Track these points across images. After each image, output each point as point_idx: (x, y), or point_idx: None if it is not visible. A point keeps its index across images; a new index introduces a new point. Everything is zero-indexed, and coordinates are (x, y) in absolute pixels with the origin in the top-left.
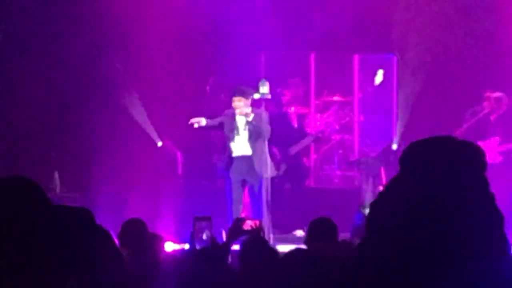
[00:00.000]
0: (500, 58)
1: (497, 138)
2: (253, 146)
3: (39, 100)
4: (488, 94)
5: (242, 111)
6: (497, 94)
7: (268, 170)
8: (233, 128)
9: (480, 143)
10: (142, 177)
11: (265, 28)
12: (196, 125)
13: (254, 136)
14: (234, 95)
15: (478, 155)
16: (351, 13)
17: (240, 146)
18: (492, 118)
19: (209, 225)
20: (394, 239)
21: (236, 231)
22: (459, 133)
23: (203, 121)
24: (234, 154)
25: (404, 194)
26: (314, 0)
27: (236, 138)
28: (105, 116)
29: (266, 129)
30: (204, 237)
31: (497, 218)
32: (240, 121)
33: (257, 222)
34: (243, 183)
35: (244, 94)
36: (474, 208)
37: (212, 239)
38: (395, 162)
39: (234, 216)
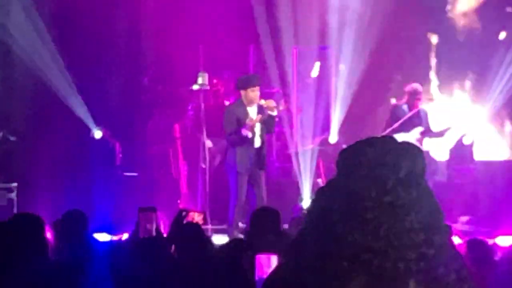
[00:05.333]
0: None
1: (420, 128)
2: (263, 138)
3: None
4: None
5: (273, 107)
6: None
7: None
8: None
9: (404, 135)
10: (79, 168)
11: (204, 20)
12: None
13: (265, 128)
14: (257, 85)
15: (414, 156)
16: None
17: (255, 137)
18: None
19: (154, 216)
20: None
21: (180, 222)
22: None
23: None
24: (249, 146)
25: (336, 193)
26: None
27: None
28: (41, 106)
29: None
30: (149, 227)
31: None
32: (252, 112)
33: (202, 214)
34: (250, 175)
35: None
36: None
37: (157, 230)
38: (333, 154)
39: (239, 207)
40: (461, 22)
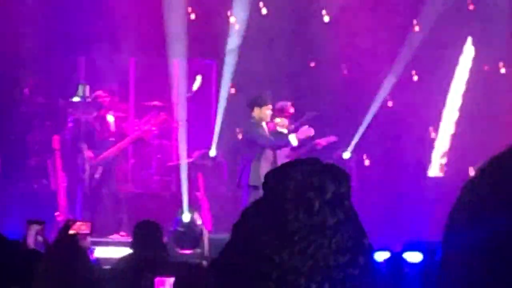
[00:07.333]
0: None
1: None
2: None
3: None
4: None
5: (285, 125)
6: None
7: None
8: None
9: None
10: None
11: (86, 32)
12: None
13: None
14: (271, 103)
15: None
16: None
17: (271, 155)
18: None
19: (42, 228)
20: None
21: (65, 232)
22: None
23: None
24: (266, 161)
25: (261, 217)
26: (136, 7)
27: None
28: None
29: None
30: (37, 239)
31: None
32: (266, 129)
33: (88, 223)
34: None
35: None
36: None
37: (45, 242)
38: (212, 167)
39: None
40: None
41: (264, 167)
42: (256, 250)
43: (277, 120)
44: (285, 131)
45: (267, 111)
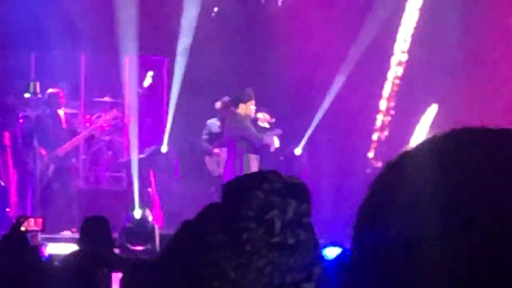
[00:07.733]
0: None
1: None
2: None
3: None
4: None
5: (267, 120)
6: None
7: None
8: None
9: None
10: None
11: (37, 28)
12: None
13: None
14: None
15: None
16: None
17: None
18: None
19: None
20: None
21: (17, 228)
22: None
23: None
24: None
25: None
26: (87, 3)
27: None
28: None
29: None
30: None
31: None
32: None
33: (40, 219)
34: None
35: None
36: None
37: None
38: (163, 164)
39: None
40: None
41: (254, 166)
42: (212, 263)
43: (259, 115)
44: (267, 125)
45: (251, 106)
